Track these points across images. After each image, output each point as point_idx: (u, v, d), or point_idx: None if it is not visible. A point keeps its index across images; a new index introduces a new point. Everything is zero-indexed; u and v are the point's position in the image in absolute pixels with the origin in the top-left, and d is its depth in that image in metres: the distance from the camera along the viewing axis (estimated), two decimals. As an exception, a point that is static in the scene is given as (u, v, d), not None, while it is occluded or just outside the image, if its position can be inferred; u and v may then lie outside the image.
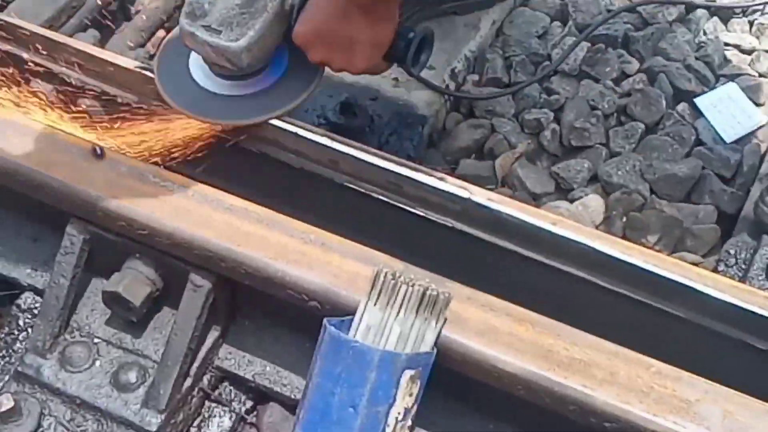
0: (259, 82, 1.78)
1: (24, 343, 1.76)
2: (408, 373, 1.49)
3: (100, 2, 2.31)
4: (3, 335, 1.79)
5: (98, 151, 1.74)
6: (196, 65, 1.80)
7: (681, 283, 1.62)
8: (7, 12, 2.06)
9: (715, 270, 1.88)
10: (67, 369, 1.68)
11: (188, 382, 1.67)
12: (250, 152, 1.80)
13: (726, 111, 2.24)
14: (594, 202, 2.08)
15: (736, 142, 2.20)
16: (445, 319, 1.53)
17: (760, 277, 1.81)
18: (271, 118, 1.76)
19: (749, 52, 2.38)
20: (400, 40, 1.79)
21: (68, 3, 2.19)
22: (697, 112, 2.25)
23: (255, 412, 1.73)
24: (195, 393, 1.69)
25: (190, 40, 1.69)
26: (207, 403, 1.72)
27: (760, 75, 2.32)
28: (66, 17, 2.21)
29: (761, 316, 1.57)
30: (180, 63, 1.81)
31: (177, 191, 1.70)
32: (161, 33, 2.37)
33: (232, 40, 1.65)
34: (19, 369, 1.69)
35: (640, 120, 2.23)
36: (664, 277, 1.62)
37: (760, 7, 2.47)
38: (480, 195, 1.70)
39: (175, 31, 1.82)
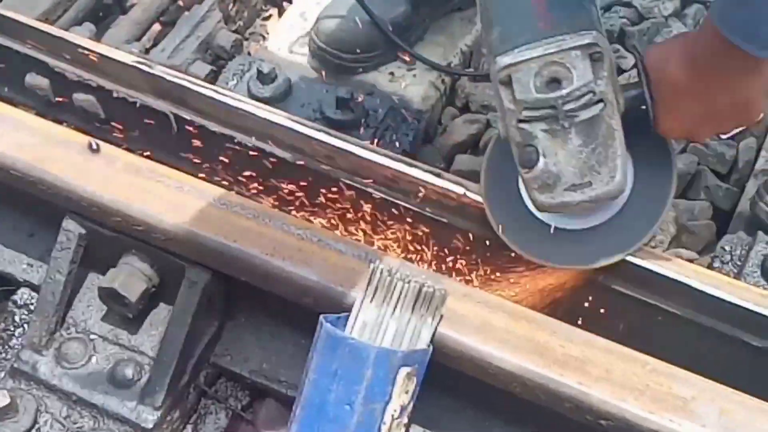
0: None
1: (20, 339, 1.76)
2: (404, 370, 1.48)
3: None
4: (0, 331, 1.79)
5: (94, 146, 1.74)
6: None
7: (676, 280, 1.62)
8: (2, 6, 2.05)
9: (710, 266, 1.87)
10: (63, 365, 1.68)
11: (184, 378, 1.67)
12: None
13: (722, 106, 2.24)
14: (590, 199, 2.08)
15: (732, 137, 2.19)
16: (441, 316, 1.53)
17: (755, 274, 1.81)
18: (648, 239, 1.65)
19: (745, 47, 2.38)
20: None
21: (64, -4, 2.19)
22: (693, 107, 2.24)
23: (251, 409, 1.73)
24: (191, 390, 1.70)
25: (561, 208, 1.55)
26: (203, 399, 1.72)
27: (756, 69, 2.31)
28: (62, 10, 2.20)
29: (756, 313, 1.58)
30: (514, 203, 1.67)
31: (173, 187, 1.70)
32: (157, 26, 2.37)
33: (608, 182, 1.51)
34: (15, 365, 1.69)
35: (635, 115, 2.23)
36: (659, 274, 1.63)
37: (756, 1, 2.47)
38: (475, 191, 1.70)
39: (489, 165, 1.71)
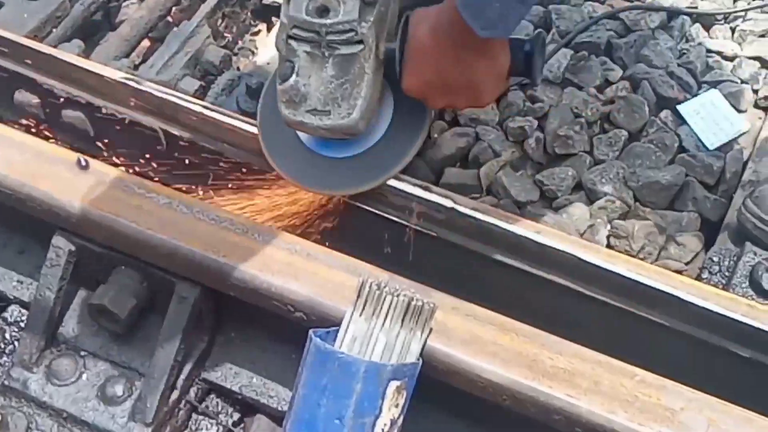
0: (369, 135, 1.72)
1: (10, 356, 1.76)
2: (394, 384, 1.49)
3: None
4: (-10, 349, 1.79)
5: (83, 163, 1.74)
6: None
7: (665, 292, 1.63)
8: (-9, 23, 2.06)
9: (698, 277, 1.88)
10: (53, 382, 1.68)
11: (175, 394, 1.67)
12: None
13: (708, 118, 2.24)
14: (578, 210, 2.08)
15: (719, 148, 2.20)
16: (431, 329, 1.54)
17: (743, 285, 1.82)
18: (395, 174, 1.72)
19: (731, 59, 2.38)
20: (515, 57, 1.68)
21: (52, 13, 2.19)
22: (680, 119, 2.25)
23: (242, 425, 1.73)
24: (182, 405, 1.70)
25: (299, 127, 1.64)
26: (194, 415, 1.72)
27: (743, 81, 2.32)
28: (51, 27, 2.20)
29: (744, 323, 1.58)
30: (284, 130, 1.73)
31: (162, 202, 1.71)
32: (146, 42, 2.37)
33: (344, 117, 1.59)
34: (6, 383, 1.69)
35: (623, 127, 2.23)
36: (647, 286, 1.64)
37: (742, 13, 2.48)
38: (464, 204, 1.71)
39: (266, 98, 1.77)
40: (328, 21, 1.55)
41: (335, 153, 1.72)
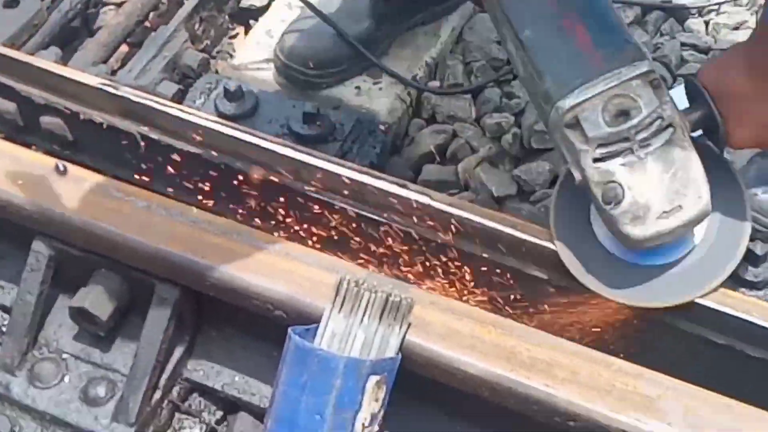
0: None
1: (-7, 360, 1.75)
2: (373, 378, 1.49)
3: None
4: (-29, 354, 1.79)
5: (61, 168, 1.74)
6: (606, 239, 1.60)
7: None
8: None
9: (674, 267, 1.89)
10: (36, 385, 1.68)
11: (157, 394, 1.67)
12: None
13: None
14: (556, 204, 2.09)
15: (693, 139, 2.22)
16: (409, 324, 1.54)
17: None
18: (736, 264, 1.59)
19: (705, 52, 2.40)
20: None
21: (29, 21, 2.18)
22: (656, 112, 2.26)
23: (225, 422, 1.73)
24: (164, 405, 1.70)
25: (656, 239, 1.49)
26: (177, 414, 1.72)
27: (717, 74, 2.34)
28: (27, 35, 2.20)
29: (718, 311, 1.58)
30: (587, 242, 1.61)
31: (140, 205, 1.71)
32: (124, 48, 2.37)
33: (697, 202, 1.47)
34: (-10, 386, 1.69)
35: (599, 121, 2.24)
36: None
37: (716, 7, 2.50)
38: (440, 200, 1.71)
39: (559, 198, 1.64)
40: (635, 120, 1.45)
41: (655, 260, 1.59)
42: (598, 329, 1.62)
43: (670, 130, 1.47)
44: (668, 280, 1.58)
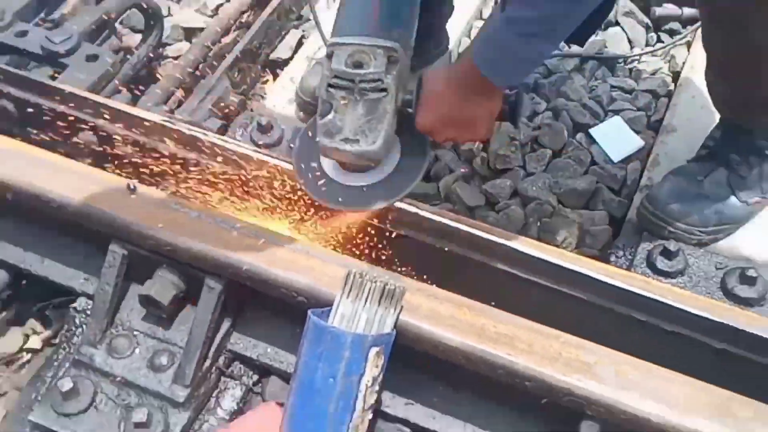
0: (382, 169, 1.68)
1: (79, 337, 1.75)
2: (374, 349, 1.49)
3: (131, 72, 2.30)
4: (64, 332, 1.78)
5: (132, 187, 1.74)
6: (329, 165, 1.71)
7: (581, 273, 1.64)
8: (59, 81, 2.05)
9: (607, 261, 1.89)
10: (113, 356, 1.67)
11: (207, 362, 1.67)
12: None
13: (613, 138, 2.26)
14: (515, 212, 2.09)
15: (622, 161, 2.22)
16: (402, 307, 1.54)
17: (642, 265, 1.83)
18: (405, 195, 1.69)
19: (630, 92, 2.40)
20: (504, 104, 1.70)
21: (106, 71, 2.17)
22: (592, 140, 2.26)
23: (260, 384, 1.73)
24: (213, 371, 1.69)
25: (334, 153, 1.61)
26: (222, 378, 1.71)
27: (638, 109, 2.34)
28: (105, 82, 2.19)
29: (641, 295, 1.59)
30: (314, 163, 1.72)
31: (193, 216, 1.70)
32: (180, 92, 2.37)
33: (370, 144, 1.57)
34: (77, 357, 1.68)
35: (548, 147, 2.24)
36: (569, 269, 1.64)
37: (638, 57, 2.50)
38: (426, 210, 1.71)
39: (302, 139, 1.75)
40: (362, 71, 1.56)
41: (355, 182, 1.69)
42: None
43: (384, 93, 1.58)
44: (365, 195, 1.67)
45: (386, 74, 1.56)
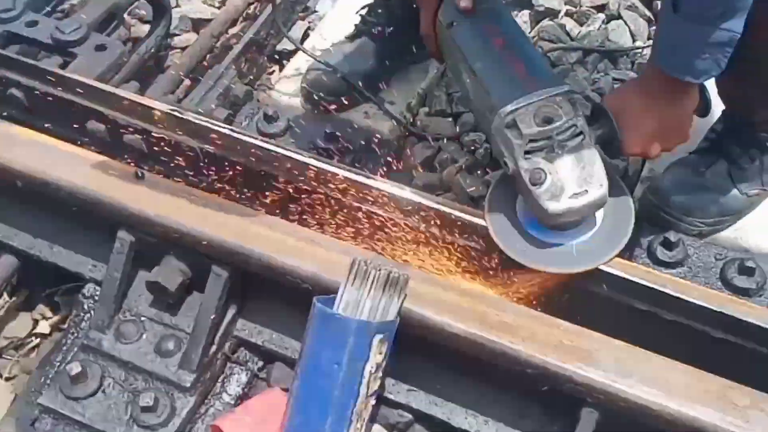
0: (583, 229, 1.60)
1: (88, 322, 1.75)
2: (378, 336, 1.49)
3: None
4: (72, 317, 1.79)
5: (140, 174, 1.75)
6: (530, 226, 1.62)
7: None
8: (68, 70, 2.05)
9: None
10: (121, 341, 1.68)
11: (213, 348, 1.67)
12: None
13: (615, 130, 2.25)
14: (518, 202, 2.09)
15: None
16: (405, 295, 1.54)
17: (643, 256, 1.82)
18: (614, 257, 1.59)
19: (632, 85, 2.39)
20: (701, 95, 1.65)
21: (115, 61, 2.18)
22: (594, 132, 2.26)
23: (265, 370, 1.73)
24: (219, 357, 1.69)
25: (567, 213, 1.52)
26: (228, 364, 1.72)
27: (640, 102, 2.33)
28: (114, 72, 2.19)
29: (642, 285, 1.59)
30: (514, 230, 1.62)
31: (200, 203, 1.71)
32: (187, 82, 2.36)
33: (599, 189, 1.51)
34: (85, 342, 1.69)
35: (551, 139, 2.23)
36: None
37: (640, 50, 2.49)
38: (430, 200, 1.71)
39: (494, 191, 1.67)
40: (557, 124, 1.50)
41: (556, 240, 1.60)
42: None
43: (582, 135, 1.53)
44: (571, 253, 1.59)
45: (576, 116, 1.52)
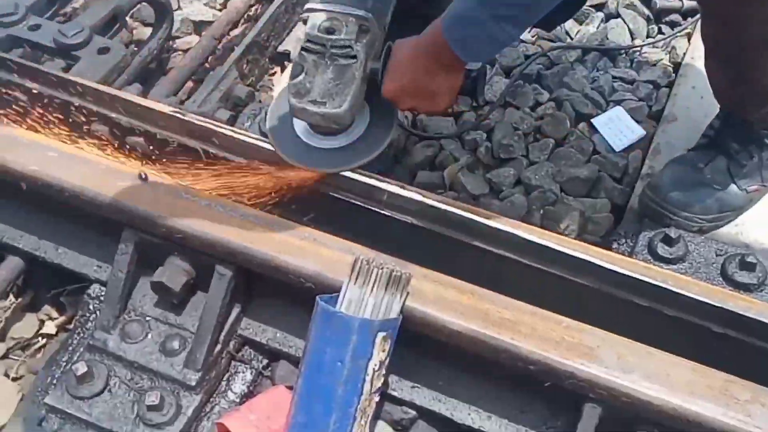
0: (350, 133, 1.75)
1: (93, 322, 1.75)
2: (381, 334, 1.50)
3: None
4: (78, 317, 1.78)
5: (143, 176, 1.74)
6: (300, 127, 1.76)
7: (584, 259, 1.63)
8: (71, 73, 2.05)
9: (609, 248, 1.88)
10: (126, 341, 1.68)
11: (218, 347, 1.67)
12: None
13: (615, 127, 2.25)
14: (518, 200, 2.09)
15: (624, 150, 2.21)
16: (408, 293, 1.54)
17: (643, 252, 1.83)
18: (371, 160, 1.74)
19: (631, 83, 2.39)
20: (465, 79, 1.74)
21: (117, 64, 2.18)
22: (594, 129, 2.25)
23: (269, 368, 1.73)
24: (223, 355, 1.69)
25: (301, 113, 1.66)
26: (233, 362, 1.72)
27: (640, 99, 2.33)
28: (116, 74, 2.20)
29: (642, 280, 1.59)
30: (286, 126, 1.77)
31: (203, 204, 1.71)
32: (189, 84, 2.37)
33: (336, 107, 1.62)
34: (91, 342, 1.69)
35: (551, 136, 2.24)
36: (571, 255, 1.64)
37: (638, 48, 2.49)
38: (431, 198, 1.71)
39: (276, 102, 1.80)
40: (333, 37, 1.61)
41: (325, 145, 1.75)
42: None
43: (353, 60, 1.63)
44: (335, 156, 1.72)
45: (356, 42, 1.62)
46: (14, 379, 1.80)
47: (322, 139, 1.74)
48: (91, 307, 1.79)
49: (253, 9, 2.63)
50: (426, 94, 1.70)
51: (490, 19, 1.51)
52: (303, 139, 1.75)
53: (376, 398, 1.54)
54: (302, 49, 1.65)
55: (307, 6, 1.66)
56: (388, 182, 1.73)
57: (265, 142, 1.80)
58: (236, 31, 2.56)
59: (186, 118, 1.84)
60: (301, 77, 1.63)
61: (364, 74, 1.66)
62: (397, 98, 1.71)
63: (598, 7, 2.60)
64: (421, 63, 1.65)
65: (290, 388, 1.62)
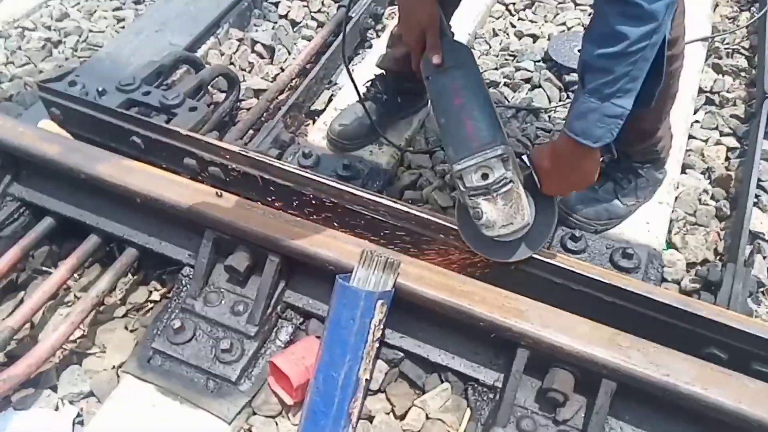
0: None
1: (185, 293, 1.75)
2: (380, 301, 1.50)
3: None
4: (174, 289, 1.78)
5: (219, 194, 1.74)
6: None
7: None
8: (171, 124, 2.04)
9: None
10: (207, 305, 1.68)
11: (269, 310, 1.67)
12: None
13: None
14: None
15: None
16: (398, 273, 1.54)
17: (558, 246, 1.80)
18: (546, 242, 1.56)
19: (548, 131, 2.36)
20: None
21: (202, 118, 2.16)
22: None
23: (305, 324, 1.72)
24: (273, 315, 1.69)
25: (500, 238, 1.51)
26: (279, 320, 1.71)
27: (555, 143, 2.31)
28: (201, 125, 2.18)
29: (557, 266, 1.56)
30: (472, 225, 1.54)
31: (259, 212, 1.70)
32: (250, 131, 2.35)
33: (520, 222, 1.47)
34: (183, 306, 1.69)
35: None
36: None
37: (553, 108, 2.48)
38: (414, 209, 1.70)
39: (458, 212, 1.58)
40: (491, 180, 1.46)
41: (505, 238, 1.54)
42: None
43: (510, 184, 1.46)
44: (513, 248, 1.55)
45: (506, 171, 1.46)
46: (131, 331, 1.79)
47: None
48: (183, 282, 1.78)
49: (294, 81, 2.62)
50: (578, 181, 1.49)
51: (601, 103, 1.32)
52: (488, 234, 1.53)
53: (377, 344, 1.54)
54: (469, 197, 1.48)
55: (456, 169, 1.47)
56: (386, 198, 1.72)
57: (301, 170, 1.78)
58: (282, 96, 2.55)
59: (248, 155, 1.83)
60: (484, 217, 1.47)
61: (521, 186, 1.48)
62: (562, 192, 1.54)
63: (526, 81, 2.59)
64: (564, 163, 1.44)
65: (318, 337, 1.61)
